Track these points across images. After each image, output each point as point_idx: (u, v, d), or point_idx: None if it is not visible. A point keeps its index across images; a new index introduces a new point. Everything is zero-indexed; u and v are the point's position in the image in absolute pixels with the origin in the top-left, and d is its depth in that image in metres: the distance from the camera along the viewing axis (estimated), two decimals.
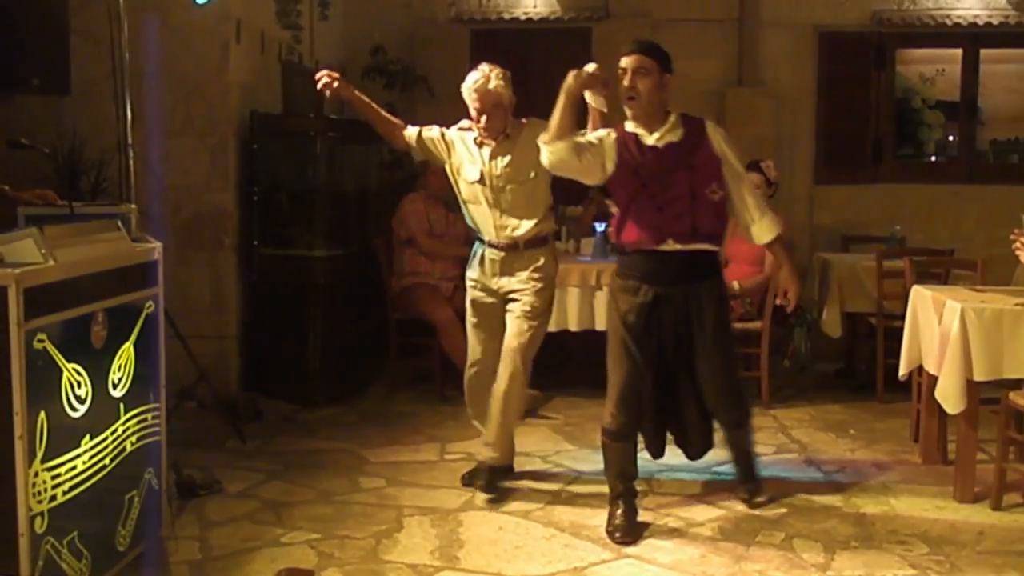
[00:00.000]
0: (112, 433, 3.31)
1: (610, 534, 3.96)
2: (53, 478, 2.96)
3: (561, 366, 6.71)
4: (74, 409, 3.07)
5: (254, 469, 4.75)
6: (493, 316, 4.50)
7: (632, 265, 4.04)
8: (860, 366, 6.55)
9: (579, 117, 4.05)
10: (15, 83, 4.72)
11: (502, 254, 4.45)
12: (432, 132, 4.54)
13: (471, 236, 4.69)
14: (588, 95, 4.06)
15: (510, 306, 4.46)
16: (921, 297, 4.82)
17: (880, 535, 4.00)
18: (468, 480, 4.55)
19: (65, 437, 3.03)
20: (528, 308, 4.40)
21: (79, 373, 3.08)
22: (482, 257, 4.51)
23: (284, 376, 5.94)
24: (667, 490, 4.53)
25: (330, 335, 5.98)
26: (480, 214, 4.48)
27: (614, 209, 4.11)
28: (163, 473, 3.76)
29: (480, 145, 4.43)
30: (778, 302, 4.44)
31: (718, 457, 4.55)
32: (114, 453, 3.32)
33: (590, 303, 5.91)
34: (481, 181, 4.42)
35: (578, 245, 6.47)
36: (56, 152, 5.15)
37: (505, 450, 4.54)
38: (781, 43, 7.55)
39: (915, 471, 4.82)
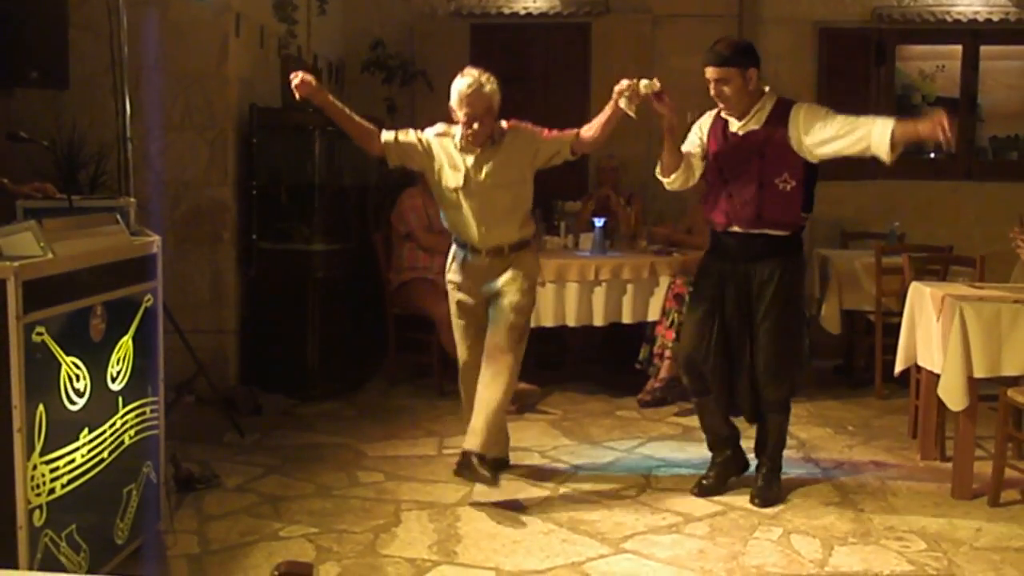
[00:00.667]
0: (111, 426, 3.31)
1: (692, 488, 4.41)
2: (52, 471, 2.96)
3: (560, 361, 6.72)
4: (73, 402, 3.07)
5: (252, 463, 4.76)
6: (482, 316, 4.46)
7: (711, 240, 4.40)
8: (858, 363, 6.55)
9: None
10: (14, 76, 4.72)
11: (487, 259, 4.38)
12: (410, 136, 4.40)
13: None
14: (623, 101, 4.13)
15: (495, 303, 4.41)
16: (920, 294, 4.82)
17: (878, 531, 4.01)
18: (462, 471, 4.39)
19: (64, 430, 3.02)
20: (513, 304, 4.38)
21: (78, 366, 3.08)
22: (464, 261, 4.42)
23: (283, 370, 5.94)
24: (665, 485, 4.53)
25: (329, 330, 5.98)
26: (462, 220, 4.38)
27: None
28: (161, 467, 3.75)
29: (463, 150, 4.34)
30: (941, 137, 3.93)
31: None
32: (112, 446, 3.32)
33: (588, 298, 5.90)
34: (465, 187, 4.33)
35: (577, 240, 6.46)
36: (55, 145, 5.14)
37: (493, 442, 4.44)
38: (781, 39, 7.54)
39: (913, 468, 4.83)
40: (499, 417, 4.39)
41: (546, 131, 4.47)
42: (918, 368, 5.00)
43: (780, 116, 4.13)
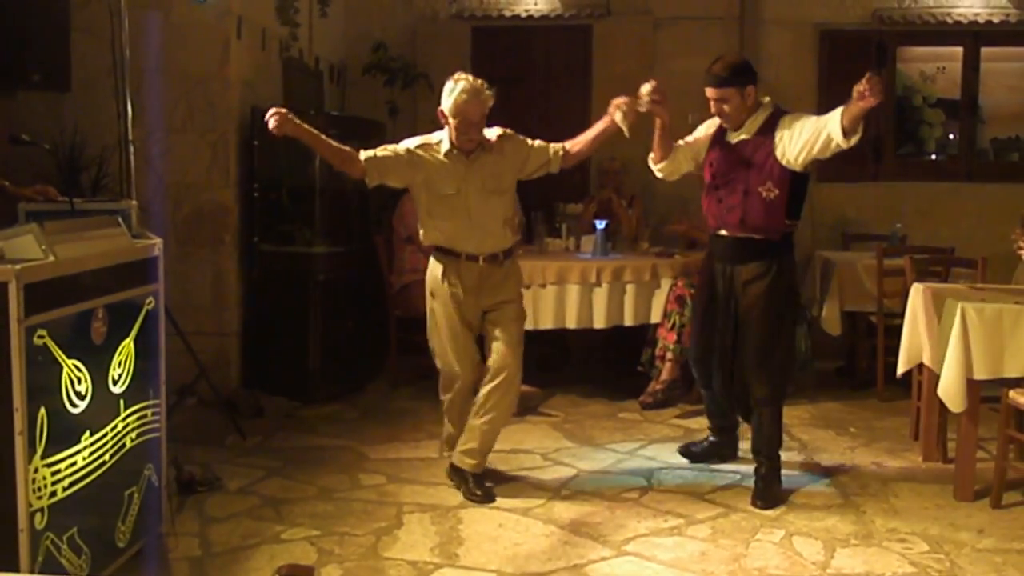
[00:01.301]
0: (112, 429, 3.31)
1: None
2: (53, 474, 2.96)
3: (561, 363, 6.72)
4: (74, 405, 3.07)
5: (254, 466, 4.76)
6: (472, 330, 4.45)
7: (709, 241, 4.64)
8: (860, 364, 6.55)
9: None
10: (16, 79, 4.72)
11: (485, 267, 4.35)
12: (387, 151, 4.32)
13: None
14: (618, 115, 4.28)
15: (494, 316, 4.40)
16: (921, 295, 4.82)
17: (880, 533, 4.00)
18: (456, 481, 4.47)
19: (65, 433, 3.03)
20: (515, 316, 4.43)
21: (79, 369, 3.08)
22: (459, 272, 4.35)
23: (284, 373, 5.94)
24: (667, 487, 4.53)
25: (330, 332, 5.98)
26: (457, 229, 4.33)
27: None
28: (163, 469, 3.76)
29: (452, 158, 4.30)
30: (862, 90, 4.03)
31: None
32: (114, 449, 3.32)
33: (589, 301, 5.89)
34: (459, 195, 4.30)
35: (578, 242, 6.45)
36: (57, 148, 5.15)
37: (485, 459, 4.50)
38: (782, 41, 7.54)
39: (915, 469, 4.83)
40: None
41: (533, 141, 4.49)
42: (920, 370, 5.00)
43: (769, 127, 4.32)
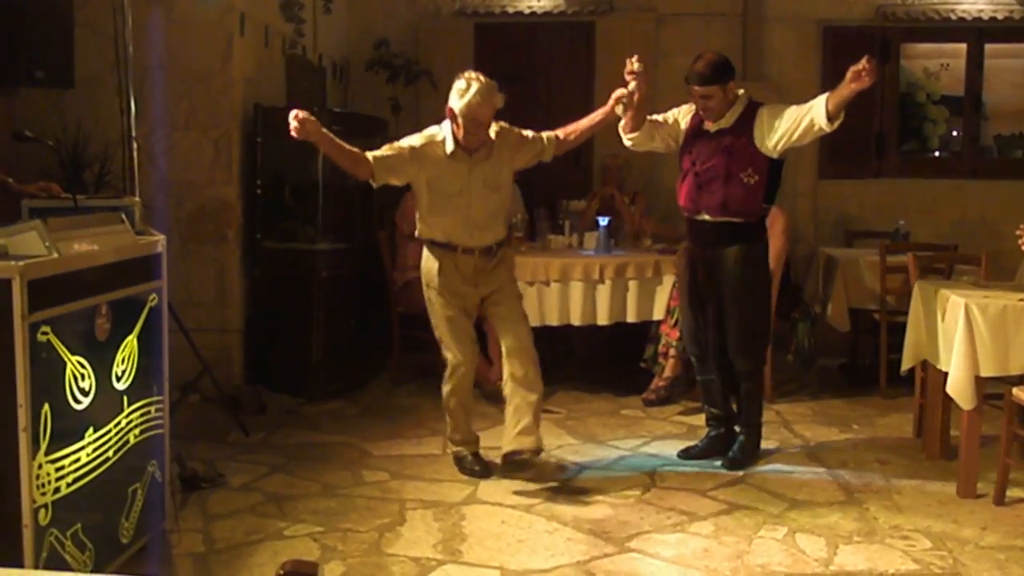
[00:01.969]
0: (115, 426, 3.31)
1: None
2: (57, 470, 2.97)
3: (564, 360, 6.71)
4: (78, 402, 3.07)
5: (257, 462, 4.76)
6: (469, 316, 4.56)
7: (686, 227, 4.81)
8: (863, 361, 6.55)
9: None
10: (20, 76, 4.73)
11: (480, 259, 4.45)
12: (393, 148, 4.37)
13: None
14: (619, 108, 4.58)
15: (498, 309, 4.52)
16: (925, 292, 4.82)
17: (883, 530, 4.00)
18: (522, 469, 4.52)
19: (69, 429, 3.03)
20: (518, 304, 4.57)
21: (83, 366, 3.08)
22: (455, 263, 4.44)
23: (287, 369, 5.94)
24: (670, 484, 4.53)
25: (333, 329, 5.98)
26: (453, 224, 4.42)
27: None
28: (166, 466, 3.76)
29: (456, 156, 4.35)
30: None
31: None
32: (117, 446, 3.32)
33: (592, 297, 5.90)
34: (462, 191, 4.37)
35: (581, 239, 6.45)
36: (60, 145, 5.14)
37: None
38: (785, 38, 7.53)
39: (918, 466, 4.82)
40: None
41: (527, 132, 4.57)
42: (923, 367, 4.99)
43: (748, 117, 4.55)
